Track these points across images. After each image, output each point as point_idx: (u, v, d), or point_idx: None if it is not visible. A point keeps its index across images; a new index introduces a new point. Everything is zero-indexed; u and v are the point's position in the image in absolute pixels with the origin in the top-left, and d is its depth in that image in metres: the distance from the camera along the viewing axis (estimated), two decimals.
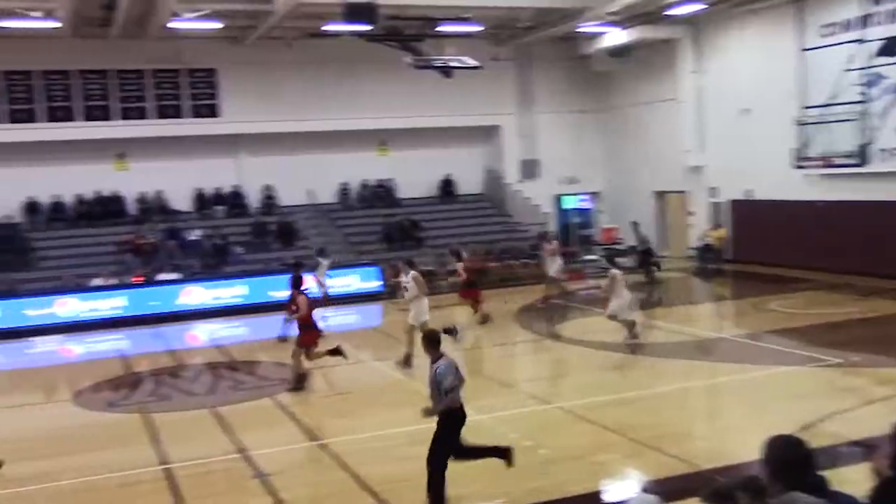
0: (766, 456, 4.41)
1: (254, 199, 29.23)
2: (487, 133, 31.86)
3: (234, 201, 28.89)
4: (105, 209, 27.48)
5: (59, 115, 27.02)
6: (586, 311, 20.33)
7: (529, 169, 31.87)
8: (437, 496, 8.53)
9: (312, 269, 21.01)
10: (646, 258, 25.40)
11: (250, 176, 29.12)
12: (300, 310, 14.41)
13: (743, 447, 9.16)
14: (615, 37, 28.75)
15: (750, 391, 13.32)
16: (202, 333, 21.56)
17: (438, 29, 25.00)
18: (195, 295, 23.30)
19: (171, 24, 24.05)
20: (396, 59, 24.32)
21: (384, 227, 28.40)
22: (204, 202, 28.69)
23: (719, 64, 27.94)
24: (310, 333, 14.49)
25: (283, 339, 17.51)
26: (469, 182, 31.71)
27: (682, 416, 12.59)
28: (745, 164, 26.60)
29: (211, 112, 28.52)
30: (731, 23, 27.11)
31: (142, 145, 27.65)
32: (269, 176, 29.11)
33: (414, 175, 30.37)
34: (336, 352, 14.63)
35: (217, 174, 28.69)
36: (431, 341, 8.94)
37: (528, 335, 19.18)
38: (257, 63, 27.91)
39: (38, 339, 21.03)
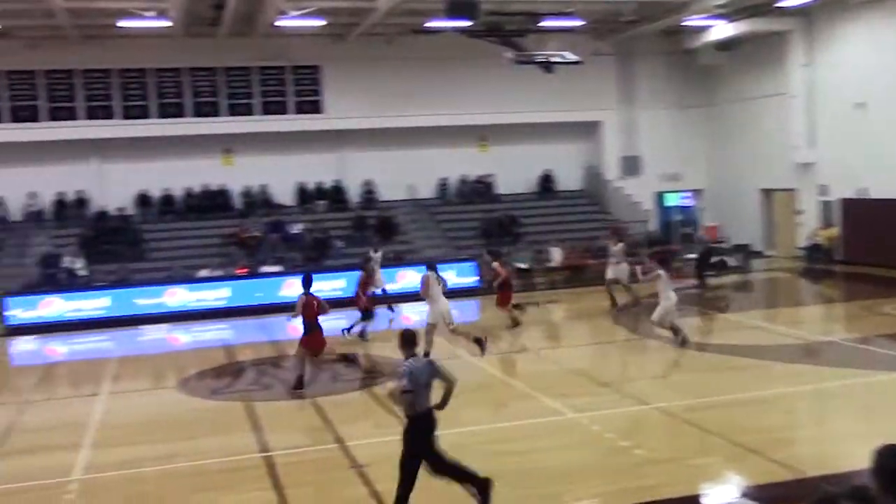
0: (875, 466, 4.21)
1: (354, 193, 29.66)
2: (588, 129, 31.48)
3: (335, 196, 29.38)
4: (212, 202, 28.37)
5: (171, 111, 28.03)
6: (686, 310, 19.87)
7: (630, 165, 31.37)
8: (399, 498, 8.30)
9: (362, 267, 20.04)
10: (703, 262, 24.67)
11: (351, 171, 29.56)
12: (296, 311, 14.45)
13: (851, 455, 8.80)
14: (722, 30, 28.02)
15: (859, 397, 12.80)
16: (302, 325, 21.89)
17: (540, 24, 24.80)
18: (296, 287, 23.71)
19: (277, 22, 24.61)
20: (497, 55, 24.26)
21: (482, 223, 28.41)
22: (306, 196, 29.28)
23: (832, 56, 26.90)
24: (315, 336, 14.32)
25: (361, 334, 18.23)
26: (569, 178, 31.41)
27: (788, 420, 12.17)
28: (858, 161, 25.56)
29: (314, 108, 29.07)
30: (845, 14, 26.04)
31: (247, 141, 28.42)
32: (370, 171, 29.49)
33: (513, 171, 30.28)
34: (347, 358, 15.08)
35: (319, 169, 29.23)
36: (404, 340, 8.71)
37: (627, 334, 18.87)
38: (360, 59, 28.30)
39: (147, 328, 21.83)
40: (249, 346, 19.33)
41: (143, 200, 28.09)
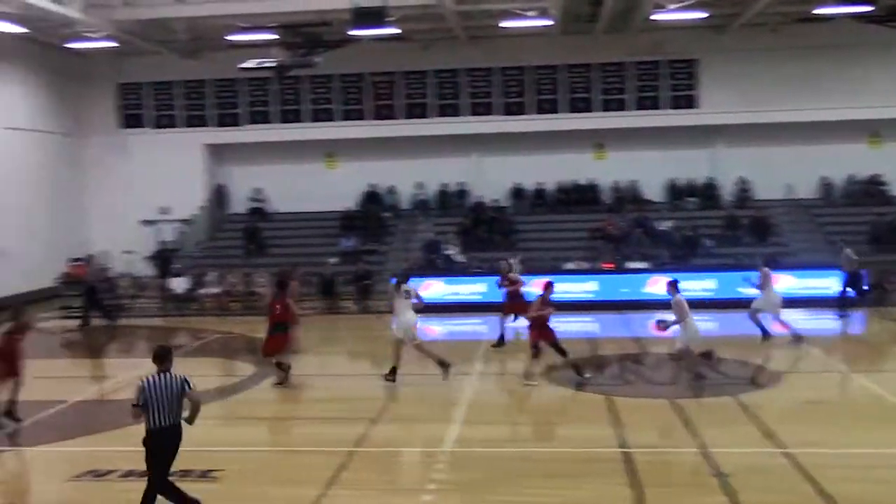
0: None
1: (727, 191, 28.49)
2: None
3: (706, 193, 28.45)
4: (581, 196, 28.85)
5: (546, 107, 28.96)
6: None
7: None
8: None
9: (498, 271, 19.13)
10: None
11: (725, 168, 28.45)
12: (280, 312, 14.52)
13: None
14: None
15: None
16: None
17: None
18: (661, 285, 23.28)
19: (654, 16, 24.31)
20: None
21: (872, 227, 25.82)
22: (676, 193, 28.68)
23: None
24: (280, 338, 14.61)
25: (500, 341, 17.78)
26: None
27: None
28: None
29: (689, 103, 28.42)
30: None
31: (619, 136, 28.49)
32: (745, 168, 28.18)
33: None
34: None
35: (691, 165, 28.49)
36: (154, 356, 8.70)
37: None
38: (738, 51, 27.14)
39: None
40: (613, 341, 19.34)
41: (517, 193, 29.33)
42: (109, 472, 10.42)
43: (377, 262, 26.41)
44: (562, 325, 21.58)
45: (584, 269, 24.59)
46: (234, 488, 9.91)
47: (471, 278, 24.33)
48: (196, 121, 30.50)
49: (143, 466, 10.51)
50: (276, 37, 24.33)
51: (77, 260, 28.25)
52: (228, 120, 30.36)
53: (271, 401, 14.81)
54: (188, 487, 9.82)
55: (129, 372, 15.14)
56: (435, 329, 21.80)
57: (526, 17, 24.19)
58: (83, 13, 22.87)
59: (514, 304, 17.98)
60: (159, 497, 8.66)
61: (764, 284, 17.60)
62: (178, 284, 25.06)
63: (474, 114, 29.24)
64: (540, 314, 14.72)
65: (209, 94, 30.43)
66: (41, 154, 28.50)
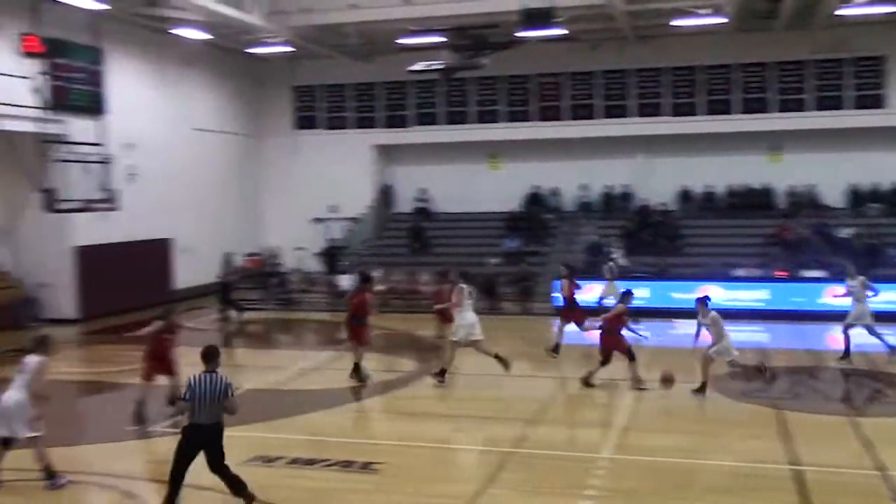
0: None
1: None
2: None
3: (893, 199, 26.67)
4: (754, 201, 27.70)
5: (718, 108, 28.01)
6: None
7: None
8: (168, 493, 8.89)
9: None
10: None
11: None
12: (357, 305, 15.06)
13: None
14: None
15: None
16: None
17: None
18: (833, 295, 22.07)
19: (838, 12, 23.03)
20: None
21: None
22: (858, 199, 27.04)
23: None
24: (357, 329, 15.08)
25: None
26: None
27: None
28: None
29: (875, 103, 26.76)
30: None
31: (797, 138, 27.17)
32: None
33: None
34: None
35: (876, 169, 26.77)
36: (201, 355, 9.03)
37: None
38: None
39: (681, 322, 22.04)
40: (784, 352, 18.47)
41: (685, 196, 28.51)
42: (277, 458, 10.87)
43: (539, 264, 26.35)
44: (730, 333, 20.86)
45: (756, 276, 23.63)
46: (394, 482, 10.11)
47: (634, 282, 23.83)
48: (365, 122, 31.39)
49: (307, 455, 10.92)
50: (445, 39, 24.69)
51: (252, 254, 29.76)
52: (396, 121, 31.07)
53: (431, 397, 15.03)
54: (349, 478, 10.13)
55: (298, 363, 15.77)
56: (596, 333, 21.50)
57: (699, 16, 23.44)
58: (264, 20, 24.00)
59: (570, 310, 17.66)
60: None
61: (858, 295, 16.62)
62: (345, 281, 25.90)
63: (642, 115, 28.66)
64: (613, 319, 14.63)
65: (378, 97, 31.25)
66: (224, 154, 30.14)
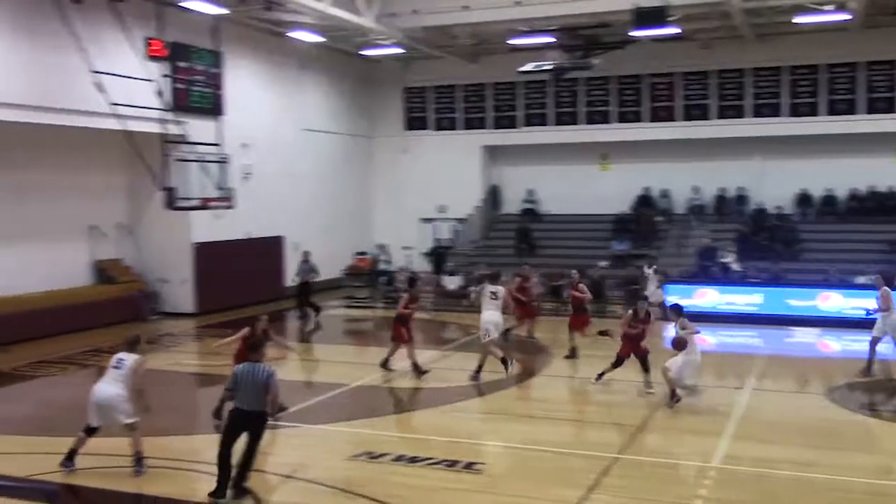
0: None
1: None
2: None
3: None
4: (879, 205, 26.52)
5: (840, 108, 26.94)
6: None
7: None
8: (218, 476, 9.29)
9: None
10: None
11: None
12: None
13: None
14: None
15: None
16: None
17: None
18: None
19: None
20: None
21: None
22: None
23: None
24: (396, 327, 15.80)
25: None
26: None
27: None
28: None
29: None
30: None
31: None
32: None
33: None
34: None
35: None
36: (248, 347, 9.95)
37: None
38: None
39: (797, 330, 21.32)
40: None
41: (803, 199, 27.50)
42: (382, 455, 10.99)
43: (648, 267, 25.84)
44: (849, 343, 20.08)
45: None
46: (497, 483, 10.08)
47: (747, 288, 23.18)
48: (474, 123, 31.46)
49: (412, 452, 11.01)
50: (555, 40, 24.53)
51: (362, 253, 30.23)
52: (505, 122, 31.02)
53: (535, 399, 14.95)
54: (452, 477, 10.16)
55: (405, 361, 15.91)
56: (707, 339, 21.00)
57: (822, 12, 22.55)
58: (376, 23, 24.35)
59: (578, 316, 17.59)
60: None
61: (886, 305, 15.73)
62: (451, 282, 26.06)
63: (758, 115, 27.76)
64: (630, 329, 14.41)
65: (488, 97, 31.27)
66: (335, 154, 30.70)
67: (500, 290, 16.33)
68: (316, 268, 23.54)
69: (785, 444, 11.56)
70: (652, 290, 21.45)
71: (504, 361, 15.70)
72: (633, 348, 14.48)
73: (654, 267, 22.84)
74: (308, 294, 23.73)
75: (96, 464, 10.55)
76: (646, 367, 14.36)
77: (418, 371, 15.78)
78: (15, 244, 20.46)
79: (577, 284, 17.82)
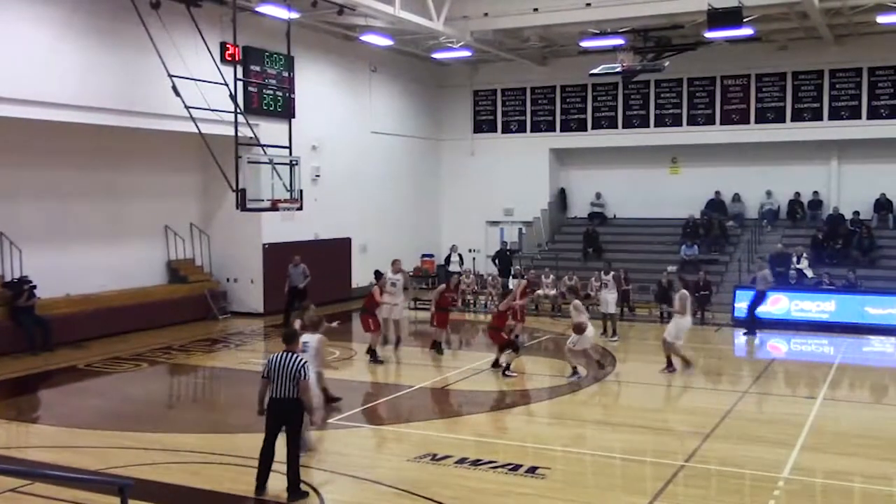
0: None
1: None
2: None
3: None
4: None
5: None
6: None
7: None
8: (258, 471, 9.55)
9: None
10: None
11: None
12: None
13: None
14: None
15: None
16: None
17: None
18: None
19: None
20: None
21: None
22: None
23: None
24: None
25: None
26: None
27: None
28: None
29: None
30: None
31: None
32: None
33: None
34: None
35: None
36: (284, 337, 10.04)
37: None
38: None
39: (876, 338, 20.72)
40: None
41: (883, 205, 26.69)
42: (445, 457, 11.01)
43: (718, 273, 25.41)
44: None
45: None
46: (561, 489, 10.00)
47: (821, 295, 22.60)
48: (543, 125, 31.31)
49: (475, 455, 11.02)
50: (625, 42, 24.28)
51: (427, 255, 30.33)
52: (573, 124, 30.81)
53: (599, 404, 14.81)
54: (515, 481, 10.13)
55: (467, 364, 15.92)
56: (779, 347, 20.55)
57: None
58: (446, 26, 24.42)
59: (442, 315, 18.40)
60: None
61: None
62: (517, 285, 25.83)
63: (834, 118, 27.03)
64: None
65: (556, 100, 31.10)
66: (403, 156, 30.88)
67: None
68: (307, 272, 22.85)
69: (858, 456, 11.23)
70: (604, 297, 20.56)
71: (574, 370, 15.91)
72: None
73: (613, 273, 21.77)
74: (298, 299, 21.69)
75: (170, 459, 10.80)
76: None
77: (374, 358, 17.09)
78: (96, 244, 21.13)
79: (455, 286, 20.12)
